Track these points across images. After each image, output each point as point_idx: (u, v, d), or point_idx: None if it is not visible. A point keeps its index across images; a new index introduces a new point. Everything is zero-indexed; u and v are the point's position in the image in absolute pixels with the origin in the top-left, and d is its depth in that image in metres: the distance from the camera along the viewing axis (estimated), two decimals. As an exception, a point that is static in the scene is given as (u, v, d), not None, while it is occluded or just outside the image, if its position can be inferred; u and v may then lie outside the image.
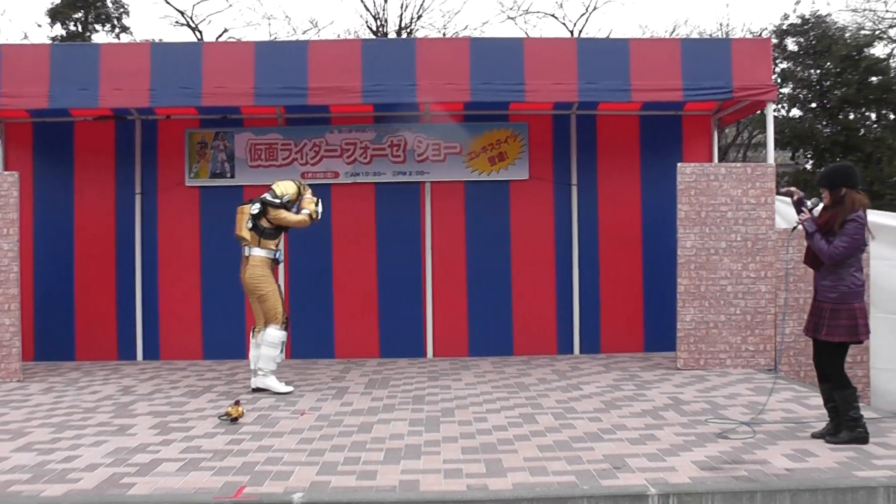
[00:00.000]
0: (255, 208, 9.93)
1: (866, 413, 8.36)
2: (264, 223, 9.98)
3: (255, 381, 10.04)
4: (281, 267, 12.52)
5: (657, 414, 8.56)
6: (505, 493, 5.87)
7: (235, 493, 5.92)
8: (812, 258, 7.44)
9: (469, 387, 10.31)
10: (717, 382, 10.34)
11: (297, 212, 10.19)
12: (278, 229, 10.11)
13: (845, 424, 7.29)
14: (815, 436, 7.48)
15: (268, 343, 9.95)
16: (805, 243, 7.58)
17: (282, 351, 10.09)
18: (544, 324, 13.06)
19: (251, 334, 10.22)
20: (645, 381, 10.56)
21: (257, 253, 9.97)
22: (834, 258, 7.17)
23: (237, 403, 8.64)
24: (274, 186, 10.13)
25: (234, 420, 8.36)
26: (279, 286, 10.21)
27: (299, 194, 10.23)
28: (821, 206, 7.50)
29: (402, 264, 13.04)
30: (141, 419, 8.62)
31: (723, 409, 8.74)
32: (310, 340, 12.84)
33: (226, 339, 12.49)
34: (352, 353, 12.95)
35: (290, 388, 10.03)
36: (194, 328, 12.99)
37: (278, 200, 10.00)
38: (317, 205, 10.25)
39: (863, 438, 7.24)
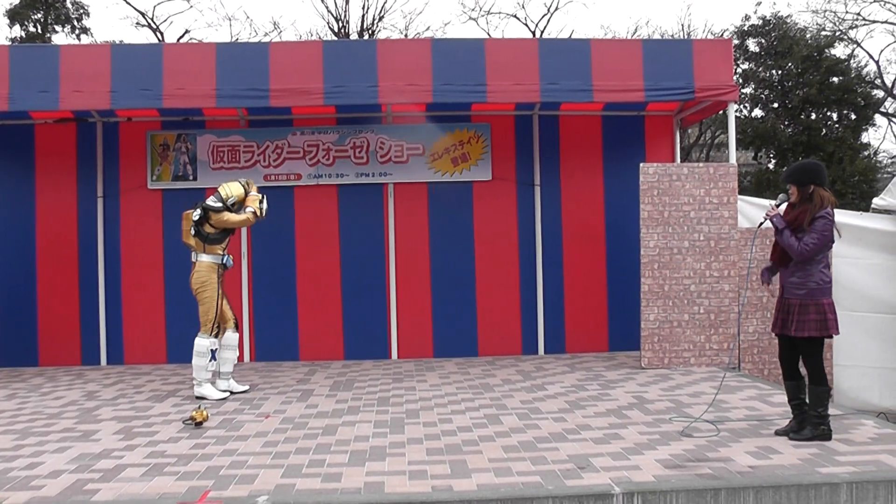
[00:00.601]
0: (196, 215, 9.86)
1: (830, 409, 8.45)
2: (207, 229, 9.90)
3: (196, 391, 9.97)
4: (244, 269, 12.51)
5: (621, 413, 8.59)
6: (470, 494, 5.88)
7: (200, 498, 5.89)
8: (780, 255, 7.49)
9: (434, 388, 10.31)
10: (681, 381, 10.39)
11: (243, 211, 10.19)
12: (224, 233, 10.01)
13: (810, 421, 7.36)
14: (778, 433, 7.54)
15: (195, 352, 9.88)
16: (770, 241, 7.61)
17: (213, 359, 9.91)
18: (509, 324, 13.08)
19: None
20: (609, 380, 10.60)
21: (203, 259, 9.91)
22: (804, 255, 7.23)
23: (201, 407, 8.60)
24: (220, 189, 10.04)
25: (199, 424, 8.32)
26: (221, 293, 10.08)
27: (247, 194, 10.17)
28: (784, 204, 7.56)
29: (366, 266, 13.02)
30: (105, 424, 8.56)
31: (687, 407, 8.79)
32: (274, 343, 12.80)
33: (190, 343, 12.33)
34: (316, 356, 12.92)
35: (224, 394, 9.96)
36: (158, 332, 12.90)
37: (220, 204, 9.89)
38: (261, 202, 10.20)
39: (826, 436, 7.30)
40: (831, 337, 7.40)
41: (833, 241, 7.35)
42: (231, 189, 10.03)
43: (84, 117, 12.84)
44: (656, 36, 35.18)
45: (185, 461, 6.98)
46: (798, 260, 7.31)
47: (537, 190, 13.11)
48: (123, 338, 12.91)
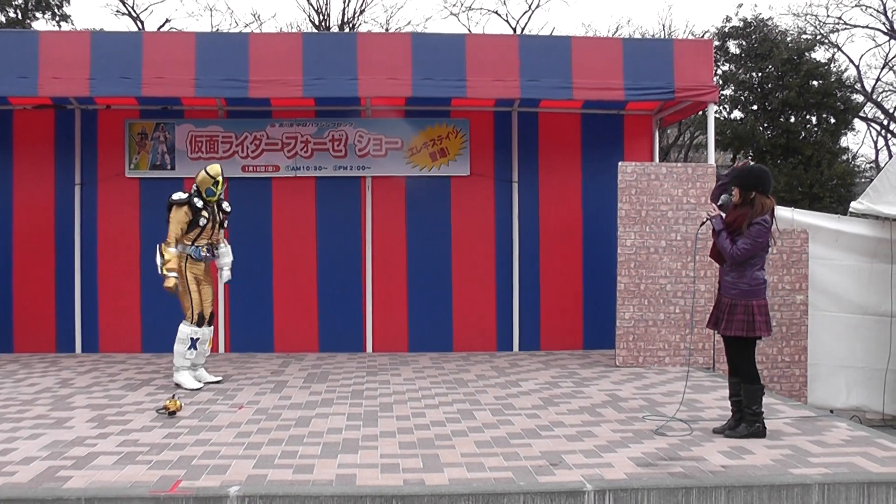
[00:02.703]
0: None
1: (804, 411, 8.55)
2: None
3: (174, 376, 10.03)
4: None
5: (595, 411, 8.61)
6: (441, 489, 5.88)
7: (171, 487, 5.88)
8: (717, 254, 7.61)
9: (408, 382, 10.33)
10: (655, 380, 10.43)
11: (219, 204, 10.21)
12: (192, 225, 9.90)
13: (746, 418, 7.46)
14: (716, 431, 7.63)
15: (177, 338, 9.89)
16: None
17: (192, 347, 9.88)
18: (484, 320, 13.10)
19: None
20: (583, 378, 10.63)
21: (171, 249, 9.84)
22: (735, 258, 7.36)
23: (175, 397, 8.58)
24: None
25: (172, 414, 8.30)
26: (195, 284, 9.97)
27: (217, 183, 9.96)
28: (727, 205, 7.63)
29: (343, 259, 13.03)
30: (78, 412, 8.54)
31: (660, 406, 8.82)
32: (249, 334, 12.79)
33: (165, 333, 12.24)
34: (291, 347, 12.91)
35: (199, 385, 9.92)
36: (133, 321, 12.87)
37: (184, 196, 9.85)
38: (164, 266, 9.84)
39: (760, 434, 7.42)
40: (760, 338, 7.51)
41: (768, 247, 7.46)
42: (199, 177, 10.00)
43: (63, 104, 12.77)
44: (637, 35, 35.26)
45: (158, 450, 6.97)
46: (730, 262, 7.44)
47: (515, 186, 13.13)
48: (98, 326, 12.87)
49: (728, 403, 7.83)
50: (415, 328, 13.05)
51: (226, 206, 10.30)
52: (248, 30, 33.19)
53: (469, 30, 37.01)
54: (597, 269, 12.96)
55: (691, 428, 7.73)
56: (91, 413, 8.50)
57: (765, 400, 8.41)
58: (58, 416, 8.33)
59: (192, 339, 9.87)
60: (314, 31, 32.42)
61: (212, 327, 10.30)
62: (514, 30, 35.23)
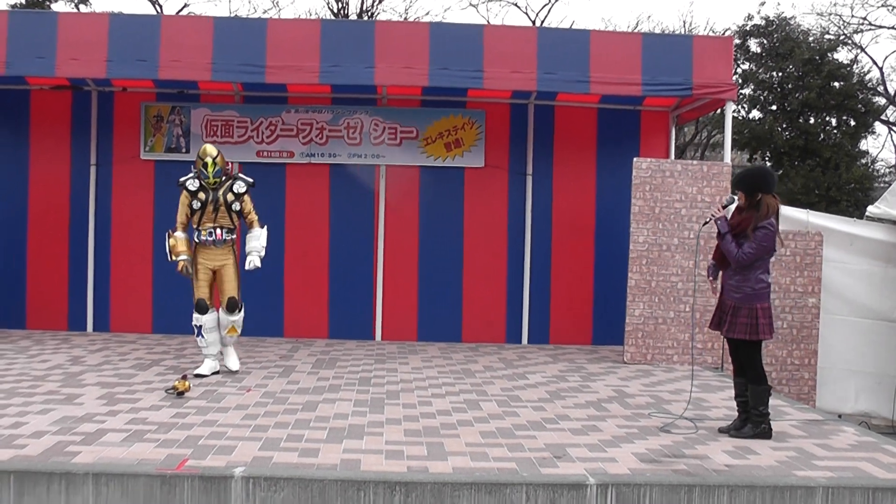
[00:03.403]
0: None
1: (811, 415, 8.52)
2: None
3: None
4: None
5: (601, 406, 8.62)
6: (445, 477, 5.90)
7: (178, 466, 5.91)
8: (721, 257, 7.57)
9: (415, 371, 10.35)
10: (662, 377, 10.42)
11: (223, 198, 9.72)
12: (193, 208, 9.68)
13: (752, 419, 7.44)
14: (721, 430, 7.61)
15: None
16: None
17: (198, 334, 9.70)
18: (494, 312, 13.10)
19: None
20: (591, 373, 10.63)
21: (177, 234, 9.73)
22: (741, 262, 7.30)
23: (184, 378, 8.63)
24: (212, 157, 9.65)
25: (181, 394, 8.35)
26: (200, 270, 9.72)
27: (206, 164, 9.56)
28: (735, 205, 7.60)
29: (354, 247, 13.05)
30: (89, 389, 8.61)
31: (667, 403, 8.82)
32: (259, 319, 12.74)
33: (176, 314, 12.38)
34: (300, 333, 12.96)
35: (207, 372, 9.61)
36: (145, 302, 12.94)
37: (181, 179, 9.75)
38: (171, 251, 9.70)
39: (766, 434, 7.40)
40: (761, 341, 7.45)
41: (773, 251, 7.41)
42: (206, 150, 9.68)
43: (80, 85, 12.83)
44: (657, 31, 35.09)
45: (166, 429, 7.01)
46: (735, 266, 7.39)
47: (529, 179, 13.12)
48: (110, 305, 12.96)
49: (734, 403, 7.81)
50: (424, 318, 13.07)
51: (237, 187, 9.77)
52: (266, 16, 33.16)
53: (488, 21, 36.96)
54: (608, 264, 12.93)
55: (696, 426, 7.72)
56: (101, 391, 8.56)
57: (772, 402, 8.39)
58: (68, 393, 8.40)
59: (195, 326, 9.72)
60: (332, 18, 32.35)
61: (213, 314, 9.77)
62: (533, 22, 35.12)
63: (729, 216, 7.61)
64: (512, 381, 9.90)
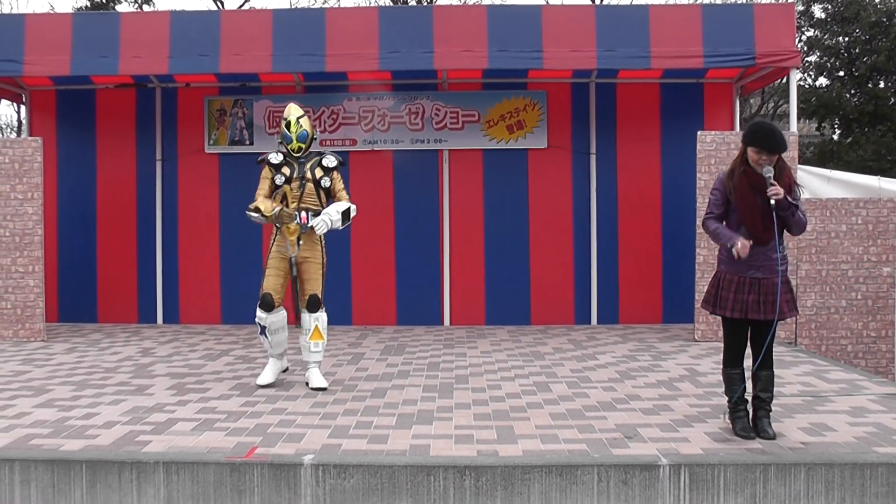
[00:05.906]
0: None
1: (890, 388, 8.28)
2: None
3: None
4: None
5: (672, 385, 8.54)
6: (515, 460, 5.87)
7: (247, 454, 5.95)
8: (764, 232, 6.42)
9: (484, 354, 10.34)
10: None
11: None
12: (277, 184, 8.44)
13: (767, 409, 6.71)
14: (740, 435, 6.61)
15: None
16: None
17: (261, 333, 8.51)
18: (562, 293, 13.04)
19: None
20: (661, 352, 10.54)
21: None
22: (805, 228, 6.60)
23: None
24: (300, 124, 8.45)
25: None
26: (274, 260, 8.50)
27: (289, 124, 8.37)
28: (772, 174, 6.40)
29: (420, 233, 13.07)
30: (159, 380, 8.74)
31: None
32: (327, 308, 12.80)
33: (244, 305, 12.48)
34: (368, 321, 13.00)
35: (272, 379, 8.52)
36: (213, 293, 13.10)
37: (271, 153, 8.57)
38: (262, 212, 8.34)
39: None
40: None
41: None
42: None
43: (143, 83, 13.02)
44: (717, 1, 34.57)
45: (235, 418, 7.08)
46: (797, 234, 6.62)
47: (593, 158, 13.01)
48: (179, 298, 13.15)
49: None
50: (492, 301, 13.04)
51: (327, 161, 8.52)
52: (324, 6, 33.25)
53: (546, 1, 36.66)
54: (676, 241, 12.78)
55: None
56: (171, 381, 8.68)
57: (847, 375, 8.18)
58: (139, 384, 8.53)
59: (260, 325, 8.51)
60: (391, 4, 32.34)
61: (281, 314, 8.57)
62: (592, 0, 34.78)
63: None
64: (581, 361, 9.85)
